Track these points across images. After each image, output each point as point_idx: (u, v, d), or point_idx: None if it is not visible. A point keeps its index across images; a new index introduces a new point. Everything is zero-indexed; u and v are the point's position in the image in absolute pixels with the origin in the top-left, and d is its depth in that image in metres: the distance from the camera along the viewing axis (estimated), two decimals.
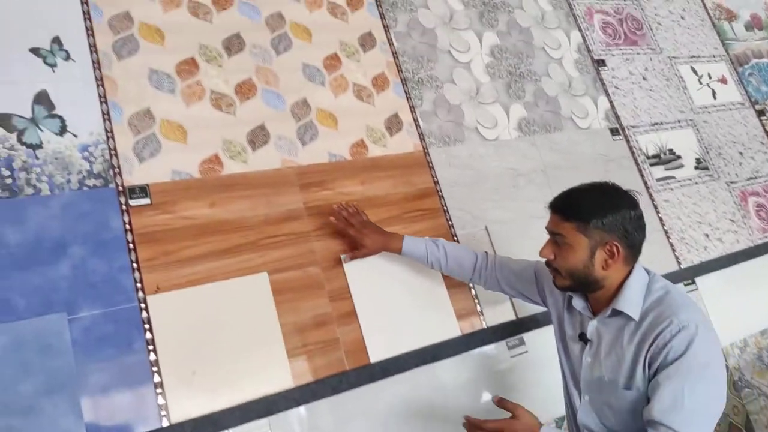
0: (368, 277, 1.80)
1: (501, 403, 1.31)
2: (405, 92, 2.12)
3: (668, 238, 2.44)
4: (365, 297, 1.78)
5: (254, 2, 1.97)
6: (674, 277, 2.34)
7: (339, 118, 1.96)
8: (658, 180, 2.55)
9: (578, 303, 1.43)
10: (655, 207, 2.47)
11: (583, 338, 1.41)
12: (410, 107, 2.11)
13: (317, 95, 1.95)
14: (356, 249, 1.75)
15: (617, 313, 1.32)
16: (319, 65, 2.00)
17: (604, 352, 1.35)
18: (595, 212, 1.29)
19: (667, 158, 2.63)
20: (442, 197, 2.03)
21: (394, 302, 1.82)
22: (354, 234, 1.73)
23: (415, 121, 2.10)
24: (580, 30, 2.69)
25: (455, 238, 1.98)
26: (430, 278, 1.88)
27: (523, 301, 1.74)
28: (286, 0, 2.03)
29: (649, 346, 1.25)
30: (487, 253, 1.76)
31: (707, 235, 2.54)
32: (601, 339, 1.36)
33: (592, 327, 1.39)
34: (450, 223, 2.00)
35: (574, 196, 1.38)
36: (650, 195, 2.49)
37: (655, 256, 2.35)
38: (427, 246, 1.73)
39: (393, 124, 2.05)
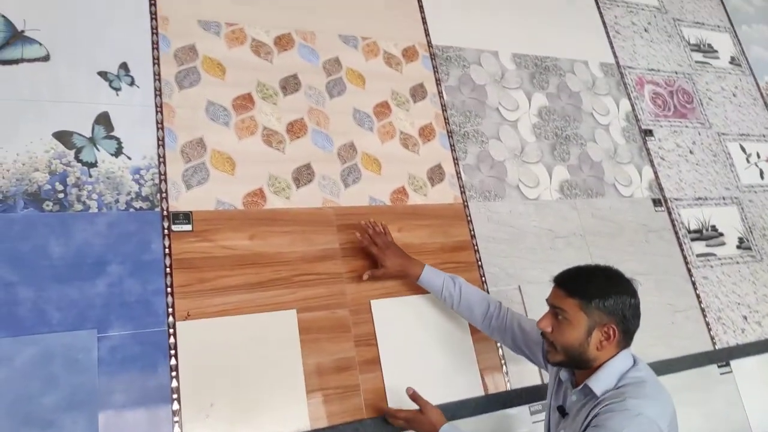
0: (396, 325, 1.79)
1: (414, 396, 1.56)
2: (450, 144, 2.14)
3: (704, 316, 2.37)
4: (391, 345, 1.76)
5: (314, 46, 2.04)
6: (708, 358, 2.27)
7: (383, 163, 1.98)
8: (698, 256, 2.49)
9: (564, 374, 1.45)
10: (693, 283, 2.41)
11: (561, 410, 1.43)
12: (454, 159, 2.13)
13: (364, 140, 1.99)
14: (377, 268, 1.77)
15: (588, 390, 1.33)
16: (369, 111, 2.04)
17: (571, 426, 1.36)
18: (598, 293, 1.32)
19: (708, 234, 2.58)
20: (478, 251, 2.02)
21: (419, 353, 1.79)
22: (376, 253, 1.75)
23: (458, 173, 2.11)
24: (629, 98, 2.69)
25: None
26: (459, 331, 1.86)
27: (525, 358, 1.72)
28: (345, 47, 2.10)
29: (591, 417, 1.27)
30: (500, 303, 1.75)
31: (745, 318, 2.47)
32: (573, 412, 1.38)
33: (571, 400, 1.40)
34: (483, 278, 1.99)
35: (581, 274, 1.40)
36: (689, 270, 2.44)
37: (689, 333, 2.29)
38: (444, 280, 1.75)
39: (435, 175, 2.07)
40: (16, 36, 1.63)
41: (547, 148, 2.35)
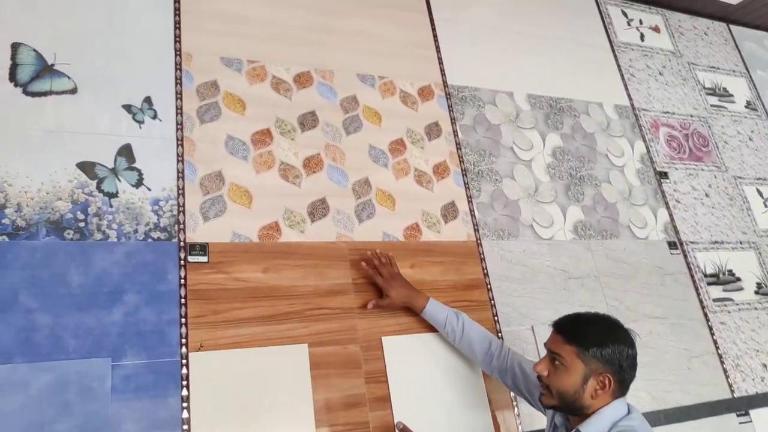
0: (407, 363, 1.78)
1: (403, 431, 1.58)
2: (464, 182, 2.16)
3: (722, 363, 2.33)
4: (401, 382, 1.75)
5: (332, 84, 2.09)
6: (726, 407, 2.22)
7: (397, 200, 2.00)
8: (715, 300, 2.46)
9: (558, 418, 1.46)
10: (710, 328, 2.38)
11: None
12: (468, 197, 2.14)
13: (379, 176, 2.02)
14: (381, 298, 1.78)
15: None
16: (384, 148, 2.08)
17: None
18: (597, 342, 1.33)
19: (725, 279, 2.54)
20: (491, 290, 2.02)
21: (430, 392, 1.78)
22: (381, 283, 1.77)
23: (471, 211, 2.12)
24: (644, 141, 2.71)
25: (500, 334, 1.95)
26: (471, 370, 1.85)
27: (523, 399, 1.71)
28: (362, 85, 2.14)
29: None
30: (502, 342, 1.75)
31: (765, 365, 2.41)
32: None
33: None
34: (496, 318, 1.98)
35: (580, 321, 1.42)
36: (705, 315, 2.40)
37: (706, 380, 2.25)
38: (448, 315, 1.76)
39: (449, 212, 2.08)
40: (46, 69, 1.69)
41: (561, 188, 2.36)
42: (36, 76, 1.67)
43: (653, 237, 2.46)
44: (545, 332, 2.00)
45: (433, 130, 2.20)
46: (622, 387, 1.35)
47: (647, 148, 2.70)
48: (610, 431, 1.30)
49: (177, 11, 1.92)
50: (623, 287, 2.28)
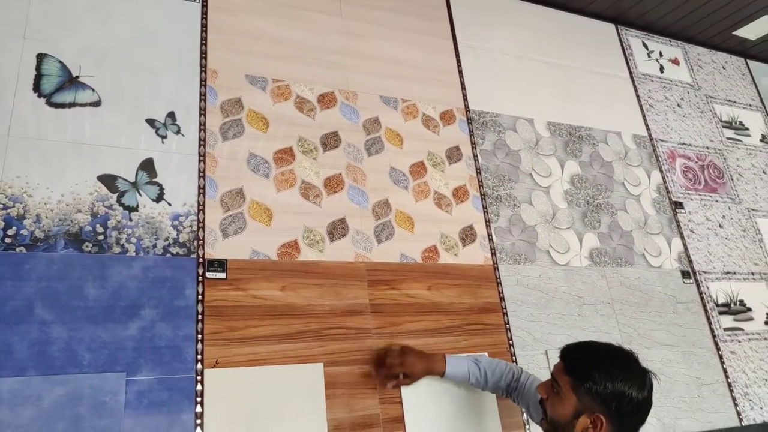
0: (421, 384, 1.76)
1: None
2: (483, 206, 2.16)
3: (731, 391, 2.32)
4: (416, 404, 1.73)
5: (356, 106, 2.10)
6: None
7: (416, 222, 2.00)
8: (726, 330, 2.46)
9: None
10: (720, 357, 2.38)
11: None
12: (486, 221, 2.14)
13: (399, 198, 2.02)
14: (403, 380, 1.71)
15: None
16: (405, 170, 2.08)
17: None
18: (594, 378, 1.24)
19: (736, 309, 2.54)
20: (506, 314, 2.00)
21: (444, 413, 1.76)
22: (399, 371, 1.69)
23: (489, 235, 2.12)
24: (661, 171, 2.71)
25: (514, 357, 1.93)
26: (485, 394, 1.83)
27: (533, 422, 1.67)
28: (385, 108, 2.15)
29: None
30: (522, 371, 1.70)
31: None
32: None
33: None
34: (510, 341, 1.96)
35: (584, 351, 1.34)
36: (716, 344, 2.40)
37: (716, 407, 2.26)
38: (469, 369, 1.70)
39: (467, 235, 2.07)
40: (70, 81, 1.70)
41: (578, 215, 2.36)
42: (60, 87, 1.68)
43: (667, 266, 2.46)
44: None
45: (453, 154, 2.20)
46: (622, 431, 1.24)
47: (663, 178, 2.70)
48: None
49: (204, 28, 1.93)
50: (636, 315, 2.27)
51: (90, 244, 1.54)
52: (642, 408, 1.25)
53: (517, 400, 1.69)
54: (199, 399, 1.49)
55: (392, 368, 1.69)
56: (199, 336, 1.56)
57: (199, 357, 1.54)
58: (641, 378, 1.26)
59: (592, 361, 1.28)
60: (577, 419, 1.25)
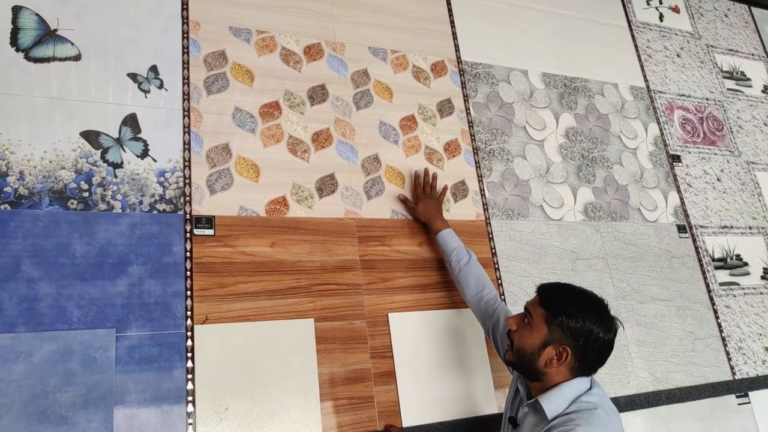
0: (412, 339, 1.77)
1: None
2: (475, 161, 2.13)
3: (725, 345, 2.34)
4: (407, 358, 1.75)
5: (343, 57, 2.04)
6: (727, 388, 2.24)
7: (407, 177, 1.97)
8: (721, 284, 2.45)
9: (522, 386, 1.45)
10: (715, 311, 2.38)
11: (512, 421, 1.42)
12: (478, 176, 2.11)
13: (389, 153, 1.99)
14: (411, 203, 1.91)
15: (539, 407, 1.31)
16: (395, 125, 2.04)
17: None
18: (568, 313, 1.30)
19: (732, 263, 2.53)
20: (498, 269, 2.00)
21: (435, 368, 1.78)
22: (419, 193, 1.91)
23: (482, 190, 2.09)
24: (658, 123, 2.66)
25: None
26: (476, 348, 1.85)
27: (496, 351, 1.70)
28: (374, 59, 2.10)
29: None
30: (497, 294, 1.73)
31: (767, 349, 2.41)
32: (524, 427, 1.36)
33: (522, 412, 1.39)
34: (503, 297, 1.96)
35: (562, 290, 1.39)
36: (711, 299, 2.40)
37: (709, 361, 2.27)
38: (459, 247, 1.78)
39: (459, 191, 2.05)
40: (49, 34, 1.65)
41: (572, 169, 2.33)
42: (38, 41, 1.63)
43: (663, 220, 2.44)
44: None
45: (445, 107, 2.16)
46: (583, 366, 1.31)
47: (661, 130, 2.66)
48: (569, 407, 1.28)
49: None
50: (631, 270, 2.27)
51: (75, 201, 1.53)
52: (605, 349, 1.32)
53: (477, 313, 1.72)
54: (189, 354, 1.51)
55: (419, 187, 1.93)
56: (188, 292, 1.56)
57: (189, 313, 1.54)
58: (610, 322, 1.33)
59: (568, 298, 1.35)
60: (544, 349, 1.31)
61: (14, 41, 1.61)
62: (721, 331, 2.35)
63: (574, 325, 1.28)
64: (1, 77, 1.56)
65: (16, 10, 1.63)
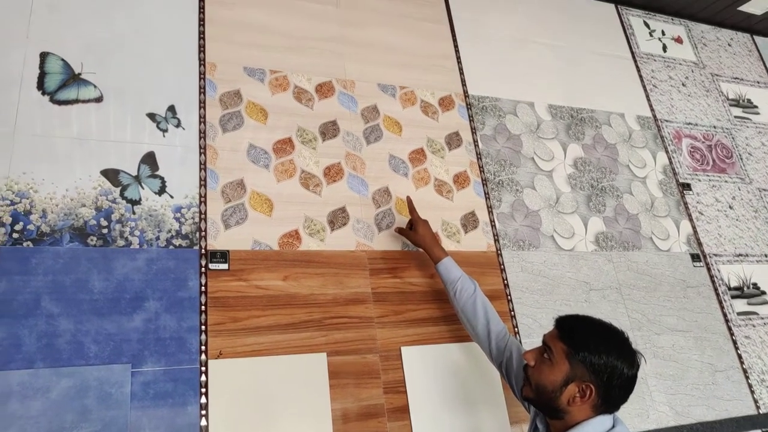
0: (426, 373, 1.76)
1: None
2: (484, 192, 2.15)
3: (747, 378, 2.28)
4: (421, 393, 1.73)
5: (354, 94, 2.10)
6: (752, 423, 2.18)
7: (417, 209, 1.99)
8: (739, 314, 2.42)
9: (541, 425, 1.38)
10: (734, 342, 2.34)
11: None
12: (488, 207, 2.13)
13: (399, 185, 2.02)
14: (407, 229, 1.85)
15: None
16: (404, 157, 2.08)
17: None
18: (590, 348, 1.24)
19: (750, 292, 2.50)
20: (511, 301, 2.00)
21: (449, 403, 1.76)
22: (416, 218, 1.82)
23: (492, 221, 2.11)
24: (666, 152, 2.68)
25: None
26: (490, 382, 1.83)
27: (510, 387, 1.64)
28: (384, 95, 2.15)
29: None
30: (505, 326, 1.67)
31: None
32: None
33: None
34: (516, 329, 1.96)
35: (582, 322, 1.33)
36: (729, 329, 2.36)
37: (731, 395, 2.21)
38: (462, 276, 1.71)
39: (469, 222, 2.07)
40: (73, 78, 1.72)
41: (582, 199, 2.34)
42: (63, 84, 1.70)
43: (676, 249, 2.43)
44: None
45: (453, 140, 2.20)
46: (606, 403, 1.25)
47: (670, 159, 2.67)
48: None
49: (201, 22, 1.95)
50: (645, 300, 2.25)
51: (95, 238, 1.57)
52: (629, 384, 1.26)
53: (487, 349, 1.66)
54: (203, 390, 1.51)
55: (415, 212, 1.84)
56: (203, 327, 1.58)
57: (203, 348, 1.55)
58: (633, 356, 1.27)
59: (590, 332, 1.29)
60: (566, 387, 1.25)
61: (41, 85, 1.68)
62: (741, 363, 2.31)
63: (597, 361, 1.23)
64: (27, 119, 1.62)
65: (44, 56, 1.71)
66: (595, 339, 1.26)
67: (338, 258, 1.82)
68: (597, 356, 1.23)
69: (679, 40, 3.14)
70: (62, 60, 1.72)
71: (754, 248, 2.63)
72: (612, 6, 3.01)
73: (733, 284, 2.48)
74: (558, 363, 1.27)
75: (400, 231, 1.89)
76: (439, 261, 1.75)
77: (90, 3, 1.83)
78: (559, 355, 1.27)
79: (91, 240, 1.56)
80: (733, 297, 2.45)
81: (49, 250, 1.51)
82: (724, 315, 2.38)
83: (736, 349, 2.33)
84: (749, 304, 2.47)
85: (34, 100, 1.65)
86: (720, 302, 2.40)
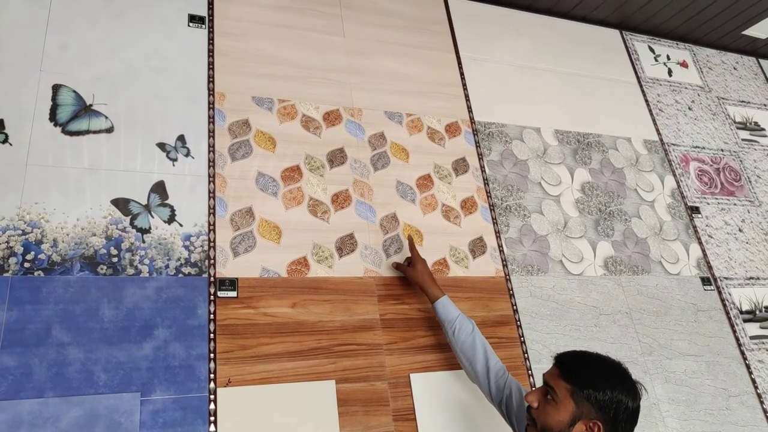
0: (435, 400, 1.75)
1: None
2: (492, 217, 2.16)
3: (761, 403, 2.25)
4: (430, 421, 1.72)
5: (361, 122, 2.12)
6: None
7: (425, 235, 2.00)
8: (752, 338, 2.39)
9: None
10: (748, 367, 2.31)
11: None
12: (496, 232, 2.13)
13: (407, 211, 2.03)
14: (404, 265, 1.85)
15: None
16: (412, 184, 2.09)
17: None
18: (594, 385, 1.23)
19: (762, 316, 2.47)
20: (520, 327, 1.99)
21: (459, 430, 1.74)
22: (415, 255, 1.82)
23: (500, 246, 2.11)
24: (674, 175, 2.68)
25: (530, 372, 1.91)
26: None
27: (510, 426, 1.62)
28: (390, 123, 2.17)
29: None
30: (504, 365, 1.65)
31: None
32: None
33: None
34: (526, 355, 1.94)
35: (583, 359, 1.32)
36: (742, 353, 2.33)
37: (746, 420, 2.18)
38: (460, 316, 1.69)
39: (477, 247, 2.07)
40: (85, 109, 1.75)
41: (590, 224, 2.34)
42: (75, 115, 1.73)
43: (686, 273, 2.41)
44: None
45: (460, 166, 2.21)
46: None
47: (677, 182, 2.67)
48: None
49: (210, 52, 1.99)
50: (656, 324, 2.23)
51: (105, 267, 1.58)
52: (634, 417, 1.25)
53: (486, 389, 1.63)
54: (212, 418, 1.51)
55: (415, 249, 1.83)
56: (212, 355, 1.58)
57: (212, 376, 1.55)
58: (635, 389, 1.27)
59: (591, 368, 1.28)
60: (573, 426, 1.23)
61: (53, 116, 1.71)
62: (756, 388, 2.27)
63: (602, 397, 1.22)
64: (38, 150, 1.65)
65: (56, 88, 1.74)
66: (598, 375, 1.25)
67: (346, 285, 1.82)
68: (601, 392, 1.22)
69: (684, 65, 3.16)
70: (74, 92, 1.76)
71: (765, 271, 2.61)
72: (617, 31, 3.04)
73: (745, 308, 2.45)
74: (563, 403, 1.25)
75: (397, 266, 1.89)
76: (436, 300, 1.73)
77: (101, 35, 1.87)
78: (563, 394, 1.25)
79: (101, 269, 1.58)
80: (745, 321, 2.42)
81: (59, 279, 1.53)
82: (737, 339, 2.36)
83: (750, 373, 2.30)
84: (762, 327, 2.44)
85: (47, 132, 1.68)
86: (732, 326, 2.38)
